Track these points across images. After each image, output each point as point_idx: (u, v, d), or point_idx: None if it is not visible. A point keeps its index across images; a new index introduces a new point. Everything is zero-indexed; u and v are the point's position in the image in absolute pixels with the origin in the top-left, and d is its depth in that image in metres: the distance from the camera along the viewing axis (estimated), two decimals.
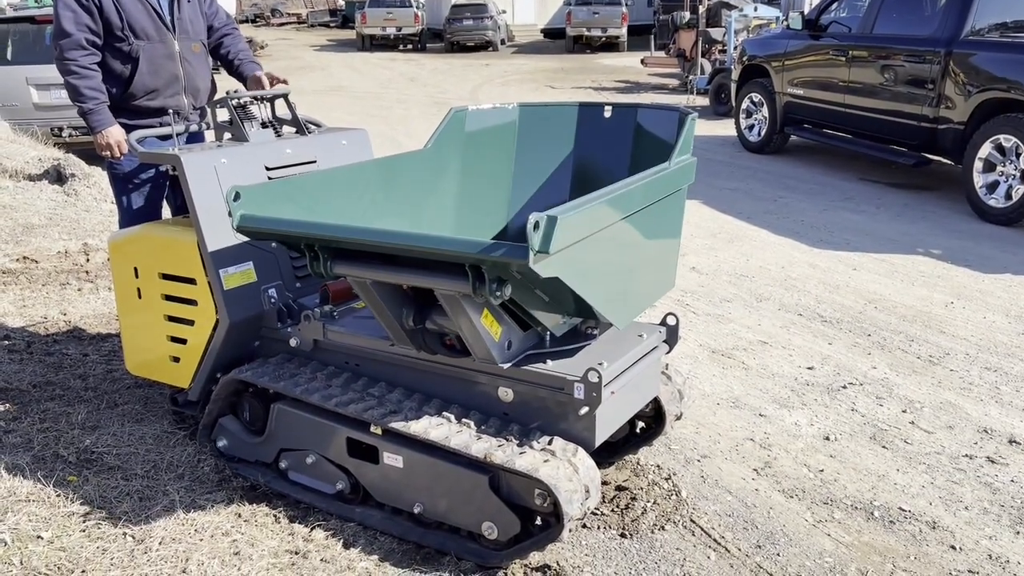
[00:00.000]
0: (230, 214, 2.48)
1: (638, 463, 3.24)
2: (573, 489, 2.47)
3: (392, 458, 2.72)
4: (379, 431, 2.72)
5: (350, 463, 2.83)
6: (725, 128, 11.22)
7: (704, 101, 13.98)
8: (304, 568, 2.56)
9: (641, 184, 2.54)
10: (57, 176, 7.48)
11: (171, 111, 3.08)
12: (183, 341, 3.12)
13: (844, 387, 4.04)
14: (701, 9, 16.00)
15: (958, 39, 7.08)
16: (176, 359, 3.16)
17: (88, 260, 5.64)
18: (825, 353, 4.45)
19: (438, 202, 3.18)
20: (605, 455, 3.22)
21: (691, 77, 15.05)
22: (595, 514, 2.92)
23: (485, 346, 2.50)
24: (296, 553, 2.63)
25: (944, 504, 3.07)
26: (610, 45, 25.94)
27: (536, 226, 2.04)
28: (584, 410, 2.55)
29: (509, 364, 2.60)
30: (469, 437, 2.60)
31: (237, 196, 2.48)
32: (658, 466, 3.25)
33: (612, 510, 2.96)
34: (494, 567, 2.59)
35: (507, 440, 2.60)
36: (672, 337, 3.03)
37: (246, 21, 34.50)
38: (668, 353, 3.06)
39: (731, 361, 4.35)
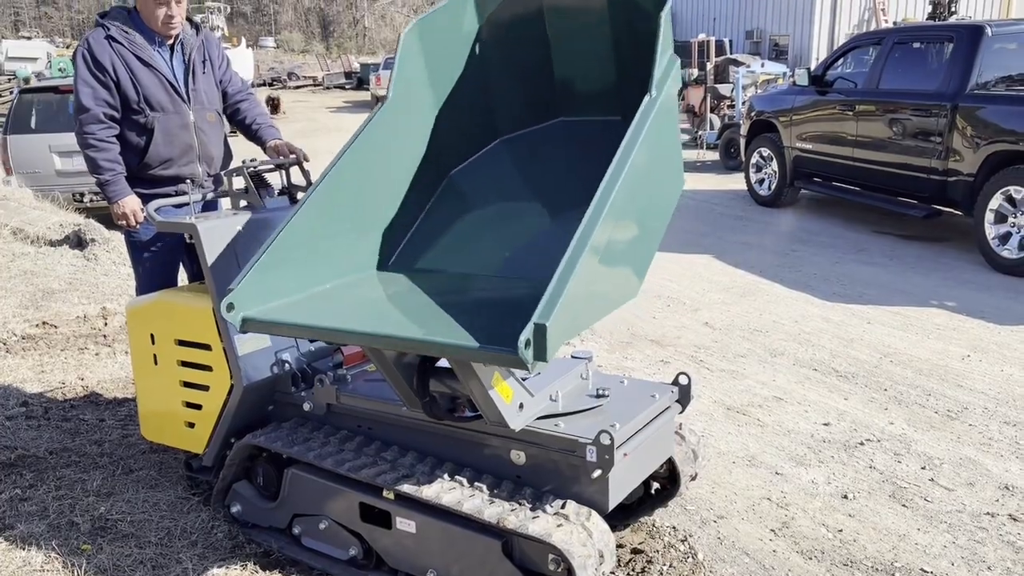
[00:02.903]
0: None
1: (653, 525, 3.21)
2: (587, 554, 2.45)
3: (405, 523, 2.71)
4: (391, 496, 2.72)
5: (363, 528, 2.82)
6: (736, 182, 11.29)
7: (715, 155, 14.10)
8: None
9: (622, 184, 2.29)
10: (77, 241, 7.61)
11: (187, 180, 3.15)
12: (198, 407, 3.14)
13: (861, 443, 4.01)
14: (709, 66, 16.25)
15: (963, 92, 7.15)
16: (191, 424, 3.18)
17: (106, 324, 5.70)
18: (841, 409, 4.41)
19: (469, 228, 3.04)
20: (620, 517, 3.19)
21: (701, 132, 15.22)
22: None
23: (497, 409, 2.50)
24: None
25: (967, 565, 3.02)
26: None
27: (527, 344, 1.99)
28: (597, 473, 2.54)
29: (521, 427, 2.61)
30: (482, 501, 2.59)
31: (231, 307, 2.43)
32: (674, 528, 3.22)
33: (628, 574, 2.92)
34: None
35: (520, 504, 2.59)
36: (685, 397, 3.03)
37: (264, 84, 35.29)
38: (681, 413, 3.05)
39: (746, 418, 4.32)
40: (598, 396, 2.83)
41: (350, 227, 2.73)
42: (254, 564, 2.88)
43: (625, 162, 2.25)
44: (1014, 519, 3.31)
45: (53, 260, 7.28)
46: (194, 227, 2.95)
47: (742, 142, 10.52)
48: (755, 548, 3.11)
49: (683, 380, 3.02)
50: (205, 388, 3.11)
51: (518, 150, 3.11)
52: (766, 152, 9.85)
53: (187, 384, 3.15)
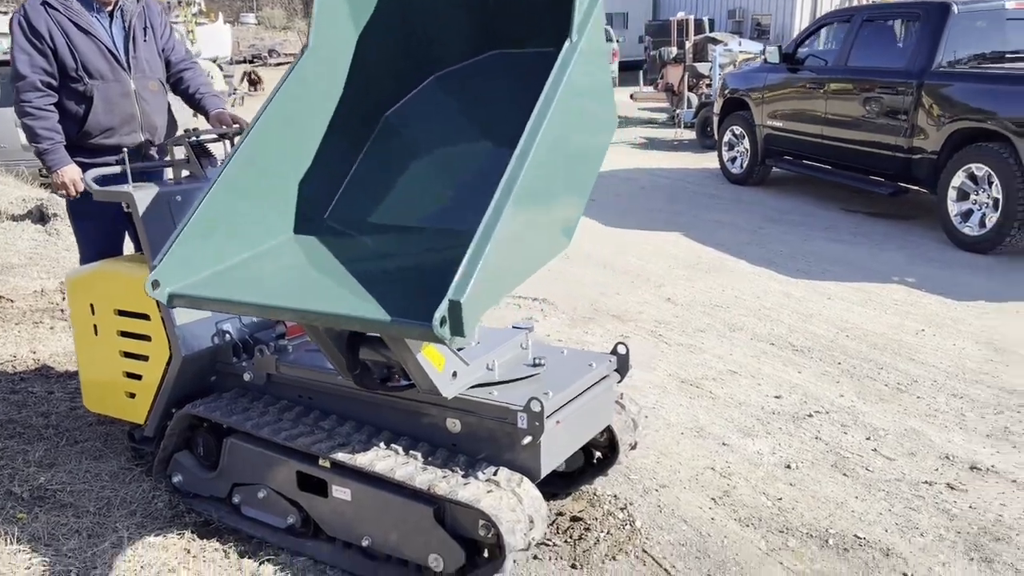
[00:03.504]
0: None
1: (595, 493, 3.24)
2: (516, 520, 2.47)
3: (340, 491, 2.72)
4: (327, 464, 2.73)
5: (300, 497, 2.83)
6: (710, 161, 11.30)
7: (692, 134, 14.11)
8: None
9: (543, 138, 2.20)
10: (40, 216, 7.53)
11: (125, 149, 3.12)
12: (138, 377, 3.13)
13: (810, 415, 4.05)
14: (688, 44, 16.20)
15: (929, 70, 7.17)
16: (131, 395, 3.17)
17: (64, 299, 5.66)
18: (794, 382, 4.45)
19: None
20: (561, 485, 3.22)
21: (678, 111, 15.22)
22: (547, 545, 2.91)
23: (428, 378, 2.51)
24: None
25: (900, 531, 3.06)
26: None
27: (443, 321, 1.98)
28: (528, 440, 2.56)
29: (454, 395, 2.62)
30: (414, 469, 2.61)
31: (156, 284, 2.36)
32: (615, 496, 3.24)
33: (565, 541, 2.95)
34: None
35: (453, 471, 2.60)
36: (623, 366, 3.04)
37: (244, 61, 34.91)
38: (620, 382, 3.07)
39: (699, 391, 4.36)
40: (535, 365, 2.84)
41: (279, 186, 2.66)
42: (192, 533, 2.89)
43: (545, 114, 2.20)
44: (951, 487, 3.36)
45: (14, 235, 7.21)
46: (130, 196, 2.93)
47: (715, 120, 10.52)
48: (694, 516, 3.15)
49: (621, 350, 3.03)
50: (144, 358, 3.10)
51: (453, 86, 2.97)
52: (738, 130, 9.86)
53: (127, 354, 3.14)
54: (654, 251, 7.17)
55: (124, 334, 3.13)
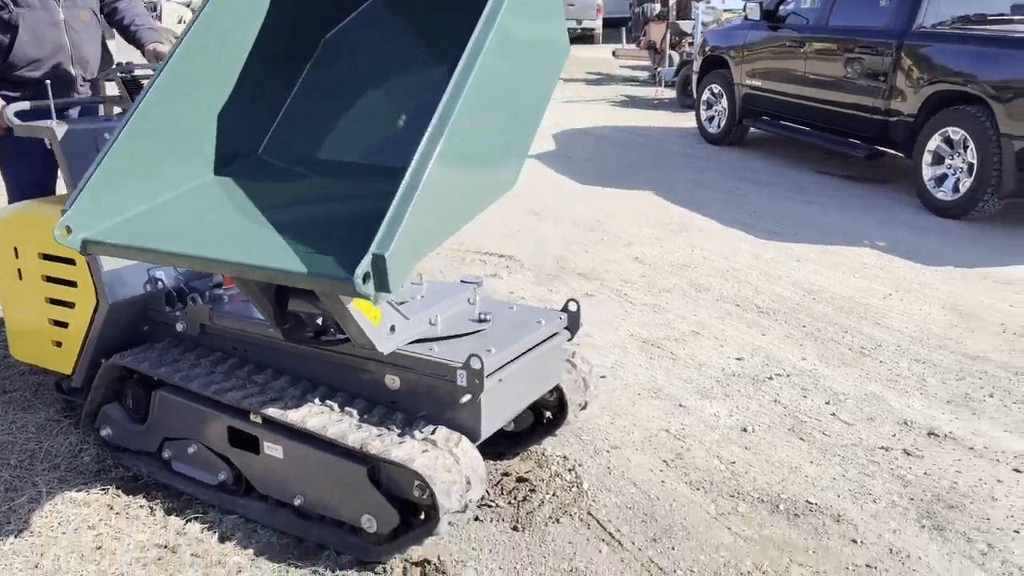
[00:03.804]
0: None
1: (543, 454, 3.14)
2: (452, 480, 2.36)
3: (272, 448, 2.60)
4: (259, 420, 2.60)
5: (232, 453, 2.71)
6: (689, 120, 11.12)
7: (672, 94, 13.90)
8: (171, 563, 2.44)
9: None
10: None
11: (48, 82, 2.92)
12: (64, 325, 2.98)
13: (770, 378, 3.96)
14: (671, 1, 15.91)
15: (910, 31, 7.02)
16: (58, 344, 3.02)
17: None
18: (757, 344, 4.36)
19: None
20: (509, 445, 3.12)
21: (660, 69, 14.97)
22: (489, 506, 2.82)
23: (362, 332, 2.38)
24: (165, 547, 2.51)
25: (852, 497, 2.99)
26: (585, 37, 25.77)
27: (365, 278, 1.84)
28: (467, 398, 2.44)
29: (391, 350, 2.49)
30: (348, 426, 2.49)
31: (68, 230, 2.19)
32: (564, 457, 3.15)
33: (509, 502, 2.86)
34: (372, 562, 2.48)
35: (389, 429, 2.49)
36: (574, 324, 2.92)
37: None
38: (571, 340, 2.95)
39: (659, 351, 4.26)
40: (480, 321, 2.72)
41: (204, 120, 2.47)
42: (117, 489, 2.77)
43: (483, 42, 2.03)
44: (907, 453, 3.29)
45: None
46: (52, 131, 2.75)
47: (694, 78, 10.33)
48: (643, 479, 3.06)
49: (572, 307, 2.91)
50: (71, 305, 2.94)
51: (401, 5, 2.74)
52: (717, 89, 9.68)
53: (52, 301, 2.98)
54: (625, 210, 7.04)
55: (49, 279, 2.97)
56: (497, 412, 2.62)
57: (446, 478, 2.35)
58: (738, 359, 4.18)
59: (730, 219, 6.75)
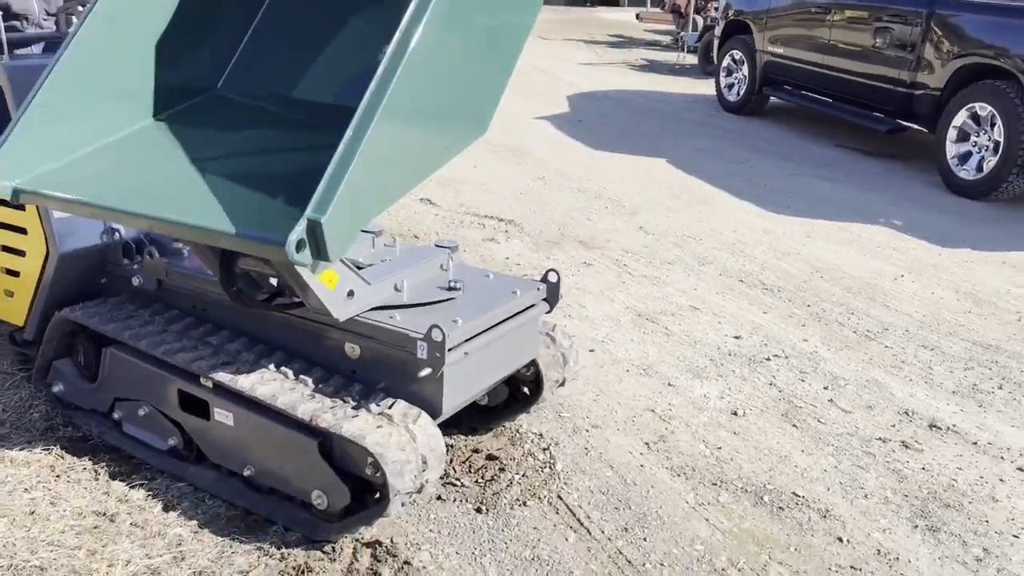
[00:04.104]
0: None
1: (518, 431, 2.97)
2: (405, 459, 2.20)
3: (223, 415, 2.45)
4: (210, 384, 2.45)
5: (182, 417, 2.56)
6: (709, 87, 10.80)
7: (695, 59, 13.54)
8: (107, 532, 2.30)
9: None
10: None
11: (20, 15, 2.74)
12: (16, 274, 2.83)
13: (768, 359, 3.77)
14: None
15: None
16: (10, 293, 2.87)
17: None
18: (757, 322, 4.17)
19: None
20: (482, 421, 2.95)
21: (683, 34, 14.59)
22: (454, 485, 2.66)
23: (316, 296, 2.20)
24: (103, 515, 2.37)
25: (843, 491, 2.81)
26: (610, 0, 25.27)
27: (300, 246, 1.68)
28: (426, 372, 2.27)
29: (348, 317, 2.31)
30: (301, 396, 2.33)
31: None
32: (540, 435, 2.98)
33: (476, 481, 2.70)
34: (321, 540, 2.33)
35: (344, 401, 2.33)
36: (553, 295, 2.74)
37: None
38: (549, 312, 2.77)
39: (654, 326, 4.07)
40: (449, 289, 2.54)
41: (154, 52, 2.27)
42: (62, 449, 2.63)
43: None
44: (906, 446, 3.11)
45: None
46: None
47: (715, 43, 10.00)
48: (622, 461, 2.89)
49: (552, 278, 2.72)
50: (21, 253, 2.79)
51: None
52: (738, 55, 9.35)
53: (3, 248, 2.83)
54: (635, 177, 6.81)
55: (0, 225, 2.81)
56: (462, 387, 2.44)
57: (399, 456, 2.18)
58: (736, 337, 3.99)
59: (742, 191, 6.50)
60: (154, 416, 2.62)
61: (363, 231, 2.81)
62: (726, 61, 9.58)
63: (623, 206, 6.06)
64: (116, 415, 2.71)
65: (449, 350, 2.28)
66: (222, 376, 2.38)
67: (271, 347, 2.56)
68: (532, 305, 2.68)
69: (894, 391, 3.53)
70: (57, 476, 2.49)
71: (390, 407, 2.30)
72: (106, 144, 2.17)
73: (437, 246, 2.74)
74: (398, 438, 2.21)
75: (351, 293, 2.31)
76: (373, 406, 2.30)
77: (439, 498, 2.59)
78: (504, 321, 2.54)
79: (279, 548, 2.30)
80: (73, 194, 1.97)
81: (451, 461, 2.77)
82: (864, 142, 8.23)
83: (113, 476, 2.56)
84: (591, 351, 3.74)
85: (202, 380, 2.44)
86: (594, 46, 15.86)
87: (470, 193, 6.17)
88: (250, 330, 2.61)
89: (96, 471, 2.56)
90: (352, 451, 2.24)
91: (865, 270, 4.93)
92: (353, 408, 2.29)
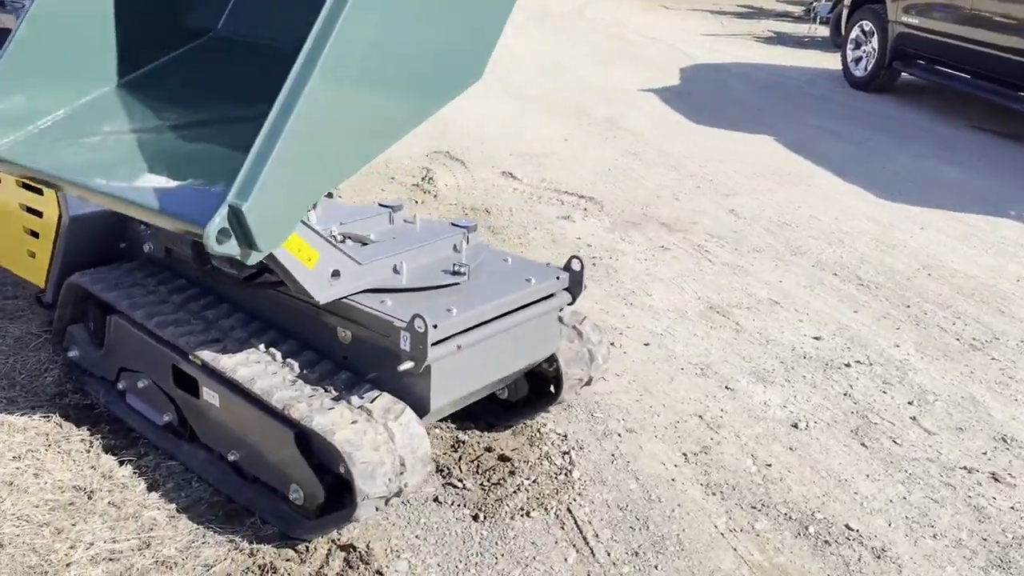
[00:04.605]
0: None
1: (539, 430, 2.72)
2: (377, 461, 1.99)
3: (210, 394, 2.31)
4: (199, 361, 2.31)
5: (176, 394, 2.44)
6: (837, 62, 10.04)
7: (827, 31, 12.65)
8: (81, 510, 2.21)
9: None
10: None
11: None
12: (36, 235, 2.79)
13: (848, 365, 3.36)
14: None
15: None
16: (32, 254, 2.83)
17: None
18: (844, 322, 3.73)
19: None
20: (502, 415, 2.72)
21: (815, 4, 13.66)
22: (455, 486, 2.44)
23: (292, 275, 2.02)
24: (83, 490, 2.28)
25: (908, 527, 2.42)
26: None
27: (222, 236, 1.50)
28: (407, 365, 2.04)
29: (331, 299, 2.12)
30: (280, 381, 2.15)
31: None
32: (564, 436, 2.72)
33: (480, 484, 2.47)
34: (296, 538, 2.16)
35: (325, 391, 2.14)
36: (576, 285, 2.45)
37: None
38: (571, 304, 2.49)
39: (724, 320, 3.71)
40: (454, 273, 2.30)
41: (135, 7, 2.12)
42: (62, 416, 2.56)
43: None
44: (996, 479, 2.67)
45: None
46: None
47: (844, 13, 9.24)
48: (651, 473, 2.59)
49: (575, 265, 2.43)
50: (39, 214, 2.73)
51: None
52: (868, 26, 8.59)
53: (27, 209, 2.78)
54: (736, 155, 6.34)
55: (24, 185, 2.76)
56: (453, 385, 2.20)
57: (370, 457, 1.98)
58: (816, 338, 3.58)
59: (854, 174, 5.94)
60: (152, 390, 2.52)
61: (381, 205, 2.61)
62: (854, 32, 8.83)
63: (718, 186, 5.63)
64: (120, 385, 2.63)
65: (437, 343, 2.05)
66: (206, 354, 2.24)
67: (267, 325, 2.40)
68: (551, 295, 2.41)
69: (993, 412, 3.06)
70: (49, 446, 2.43)
71: (373, 401, 2.10)
72: (81, 104, 2.04)
73: (453, 224, 2.51)
74: (373, 436, 2.01)
75: (336, 273, 2.11)
76: (355, 398, 2.10)
77: (436, 500, 2.38)
78: (514, 312, 2.28)
79: (251, 543, 2.14)
80: (28, 162, 1.85)
81: (460, 459, 2.55)
82: (1001, 123, 7.41)
83: (107, 449, 2.47)
84: (645, 344, 3.43)
85: (191, 357, 2.31)
86: (720, 17, 15.09)
87: (555, 167, 5.88)
88: (249, 306, 2.46)
89: (91, 443, 2.48)
90: (325, 447, 2.05)
91: (982, 268, 4.37)
92: (333, 399, 2.10)
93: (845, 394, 3.15)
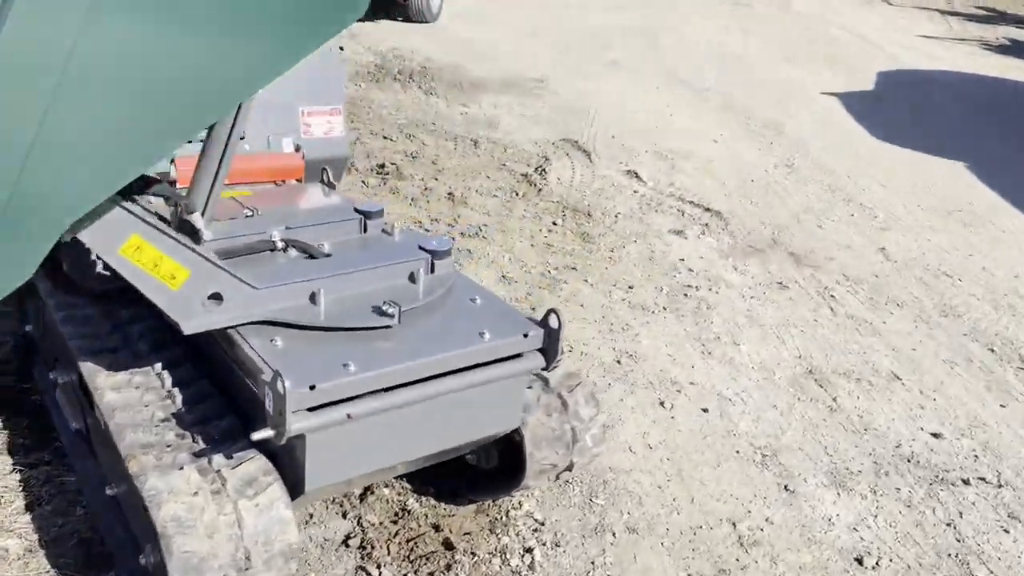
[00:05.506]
0: None
1: (508, 512, 2.17)
2: (209, 552, 1.53)
3: (99, 410, 1.94)
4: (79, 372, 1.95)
5: (84, 400, 2.10)
6: None
7: None
8: None
9: None
10: None
11: None
12: None
13: (966, 482, 2.56)
14: None
15: None
16: None
17: None
18: (982, 419, 2.90)
19: None
20: (474, 487, 2.18)
21: None
22: (368, 574, 1.94)
23: (147, 296, 1.58)
24: None
25: None
26: None
27: None
28: (263, 434, 1.55)
29: (203, 329, 1.67)
30: (144, 418, 1.74)
31: None
32: (540, 524, 2.15)
33: (405, 575, 1.96)
34: None
35: (194, 440, 1.70)
36: (551, 346, 1.85)
37: None
38: (546, 369, 1.89)
39: (820, 393, 2.97)
40: (382, 314, 1.78)
41: None
42: None
43: None
44: None
45: None
46: None
47: None
48: None
49: (552, 322, 1.84)
50: None
51: None
52: None
53: None
54: (910, 180, 5.36)
55: None
56: (347, 461, 1.69)
57: (198, 547, 1.52)
58: (935, 435, 2.78)
59: None
60: (73, 388, 2.19)
61: (358, 210, 2.13)
62: None
63: (875, 216, 4.74)
64: (51, 375, 2.33)
65: (318, 407, 1.56)
66: (88, 365, 1.88)
67: (184, 338, 1.99)
68: (517, 355, 1.84)
69: None
70: None
71: (236, 466, 1.63)
72: None
73: (421, 248, 1.98)
74: (213, 517, 1.55)
75: (216, 297, 1.66)
76: (218, 458, 1.65)
77: None
78: (448, 374, 1.74)
79: None
80: None
81: (395, 535, 2.06)
82: None
83: (11, 447, 2.18)
84: (703, 410, 2.78)
85: (80, 364, 1.95)
86: (949, 17, 13.37)
87: (689, 171, 5.18)
88: None
89: None
90: (149, 520, 1.61)
91: None
92: (193, 454, 1.66)
93: (948, 524, 2.37)
